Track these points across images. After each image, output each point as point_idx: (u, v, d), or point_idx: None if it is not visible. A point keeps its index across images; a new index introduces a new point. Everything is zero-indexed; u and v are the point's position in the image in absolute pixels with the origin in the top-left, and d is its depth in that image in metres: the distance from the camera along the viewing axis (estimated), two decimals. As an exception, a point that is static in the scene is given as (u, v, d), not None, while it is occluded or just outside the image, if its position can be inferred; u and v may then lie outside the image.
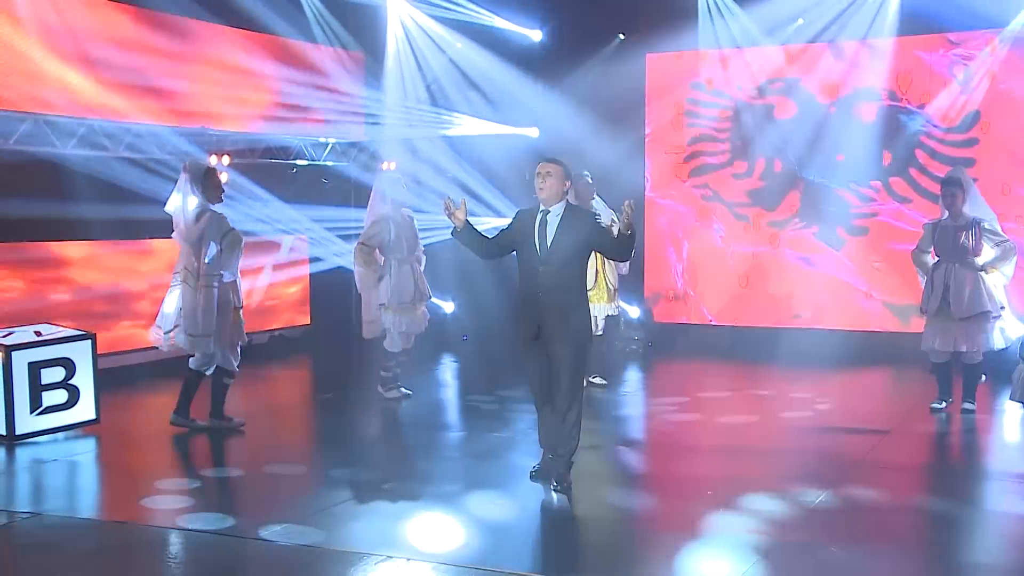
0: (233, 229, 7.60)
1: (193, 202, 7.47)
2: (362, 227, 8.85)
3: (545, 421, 6.26)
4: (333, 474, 6.69)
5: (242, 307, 7.77)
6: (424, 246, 9.00)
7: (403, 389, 8.94)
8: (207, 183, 7.49)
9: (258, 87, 10.61)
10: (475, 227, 6.27)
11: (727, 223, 11.81)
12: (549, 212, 6.05)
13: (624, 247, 6.06)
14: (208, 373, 7.70)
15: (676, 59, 11.92)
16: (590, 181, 9.04)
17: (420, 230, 8.97)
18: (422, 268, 8.86)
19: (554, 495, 6.01)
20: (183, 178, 7.51)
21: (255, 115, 10.62)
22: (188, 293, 7.50)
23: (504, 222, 8.55)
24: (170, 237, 7.73)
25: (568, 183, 6.11)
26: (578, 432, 6.13)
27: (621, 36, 11.98)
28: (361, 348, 10.92)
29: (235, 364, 7.78)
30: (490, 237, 6.45)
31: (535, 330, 6.03)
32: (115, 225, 9.54)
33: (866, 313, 11.17)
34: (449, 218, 6.13)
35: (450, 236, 6.35)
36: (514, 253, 6.21)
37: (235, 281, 7.67)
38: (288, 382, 10.33)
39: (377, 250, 8.66)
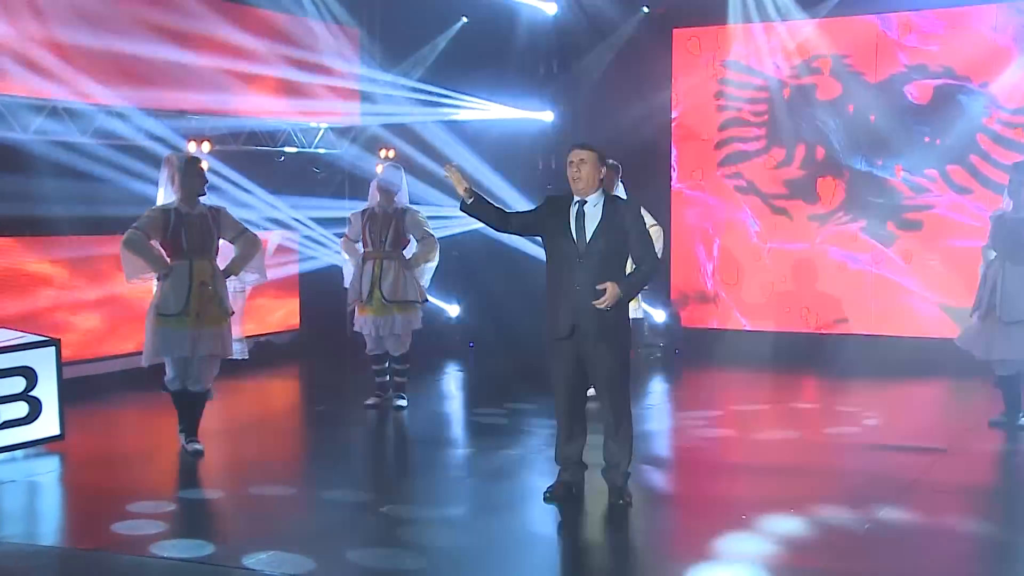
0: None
1: (169, 198, 7.39)
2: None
3: (568, 435, 6.29)
4: (325, 496, 6.67)
5: (176, 315, 7.23)
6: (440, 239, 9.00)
7: (399, 401, 8.94)
8: (186, 175, 7.33)
9: (242, 66, 10.59)
10: (484, 197, 6.38)
11: (763, 217, 11.79)
12: (586, 202, 6.13)
13: (650, 262, 6.21)
14: (172, 390, 7.52)
15: (706, 34, 11.90)
16: (613, 163, 9.05)
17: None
18: (427, 264, 8.84)
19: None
20: (163, 172, 7.42)
21: (239, 97, 10.61)
22: None
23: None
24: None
25: (603, 169, 6.19)
26: (632, 443, 6.28)
27: (645, 9, 11.97)
28: (356, 355, 10.93)
29: (174, 381, 7.45)
30: (508, 210, 6.54)
31: (569, 328, 6.09)
32: (82, 219, 9.53)
33: (920, 317, 11.12)
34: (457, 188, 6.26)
35: (460, 211, 6.40)
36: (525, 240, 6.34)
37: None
38: (275, 393, 10.33)
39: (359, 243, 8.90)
